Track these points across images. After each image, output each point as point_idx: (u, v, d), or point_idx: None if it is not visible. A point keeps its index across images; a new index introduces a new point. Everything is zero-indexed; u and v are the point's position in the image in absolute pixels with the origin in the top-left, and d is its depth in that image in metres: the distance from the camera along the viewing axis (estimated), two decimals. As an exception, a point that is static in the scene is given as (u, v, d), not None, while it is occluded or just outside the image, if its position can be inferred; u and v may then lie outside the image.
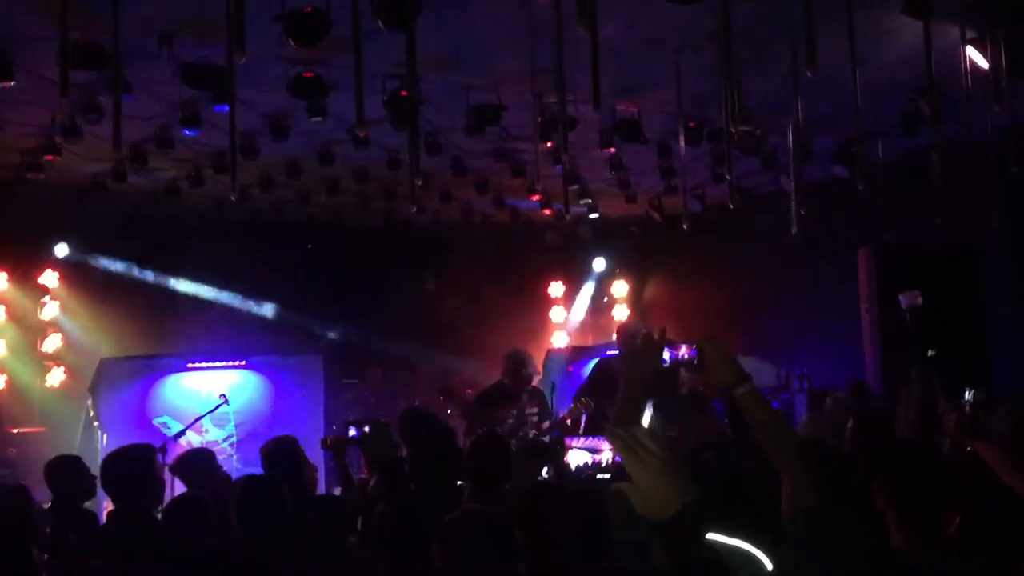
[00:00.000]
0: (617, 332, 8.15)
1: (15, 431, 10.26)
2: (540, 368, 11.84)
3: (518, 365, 7.33)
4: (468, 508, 2.96)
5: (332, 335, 12.07)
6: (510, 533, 2.71)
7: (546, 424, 7.21)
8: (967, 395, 5.28)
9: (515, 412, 7.22)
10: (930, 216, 7.49)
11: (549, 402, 7.68)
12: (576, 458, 2.67)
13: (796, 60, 5.98)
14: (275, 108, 7.85)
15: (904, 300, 8.00)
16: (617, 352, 8.43)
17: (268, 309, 12.02)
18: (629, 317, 11.69)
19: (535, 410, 7.33)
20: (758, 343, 10.67)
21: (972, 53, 6.33)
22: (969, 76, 6.36)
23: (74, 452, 8.43)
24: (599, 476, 2.85)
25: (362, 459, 5.85)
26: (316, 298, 11.99)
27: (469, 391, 9.89)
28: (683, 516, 1.60)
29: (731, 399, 2.53)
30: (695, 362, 2.55)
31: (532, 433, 7.13)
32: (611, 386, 7.60)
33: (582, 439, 2.96)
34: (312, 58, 6.68)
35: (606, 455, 3.49)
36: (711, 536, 1.57)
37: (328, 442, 5.27)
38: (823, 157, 9.19)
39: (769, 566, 1.66)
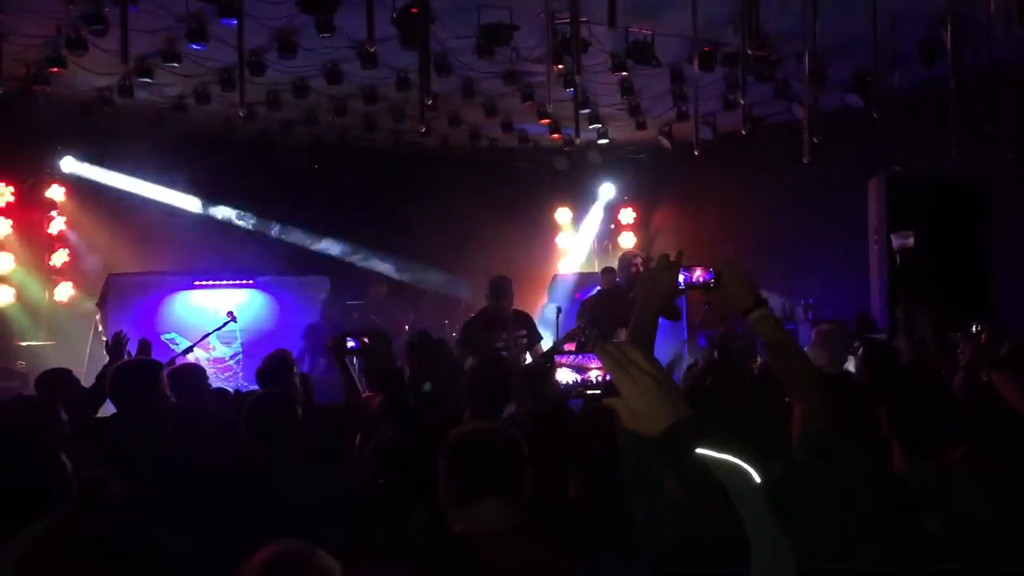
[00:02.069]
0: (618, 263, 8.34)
1: (23, 344, 10.35)
2: (545, 294, 11.95)
3: (496, 292, 7.42)
4: (476, 423, 2.95)
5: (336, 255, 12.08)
6: (519, 448, 2.70)
7: (539, 347, 7.35)
8: (973, 329, 5.28)
9: (504, 336, 7.32)
10: (944, 148, 7.41)
11: (556, 326, 7.76)
12: (565, 376, 2.69)
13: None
14: (283, 23, 7.73)
15: (896, 241, 7.99)
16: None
17: (274, 228, 12.00)
18: (630, 248, 11.67)
19: (523, 332, 7.41)
20: (765, 273, 10.66)
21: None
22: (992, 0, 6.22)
23: (82, 366, 8.57)
24: (588, 392, 2.85)
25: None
26: (322, 219, 11.96)
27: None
28: (673, 432, 1.60)
29: (722, 337, 2.53)
30: (710, 284, 2.53)
31: (523, 356, 7.24)
32: (611, 312, 7.73)
33: (571, 357, 2.96)
34: (321, -28, 6.55)
35: (594, 373, 3.49)
36: (701, 451, 1.58)
37: (332, 344, 5.28)
38: (837, 85, 9.06)
39: (758, 479, 1.68)
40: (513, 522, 2.59)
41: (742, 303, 2.55)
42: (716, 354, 7.40)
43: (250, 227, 11.88)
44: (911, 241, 8.02)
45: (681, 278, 2.52)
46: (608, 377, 1.66)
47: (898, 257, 8.27)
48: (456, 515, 2.63)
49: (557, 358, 2.50)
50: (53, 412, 4.20)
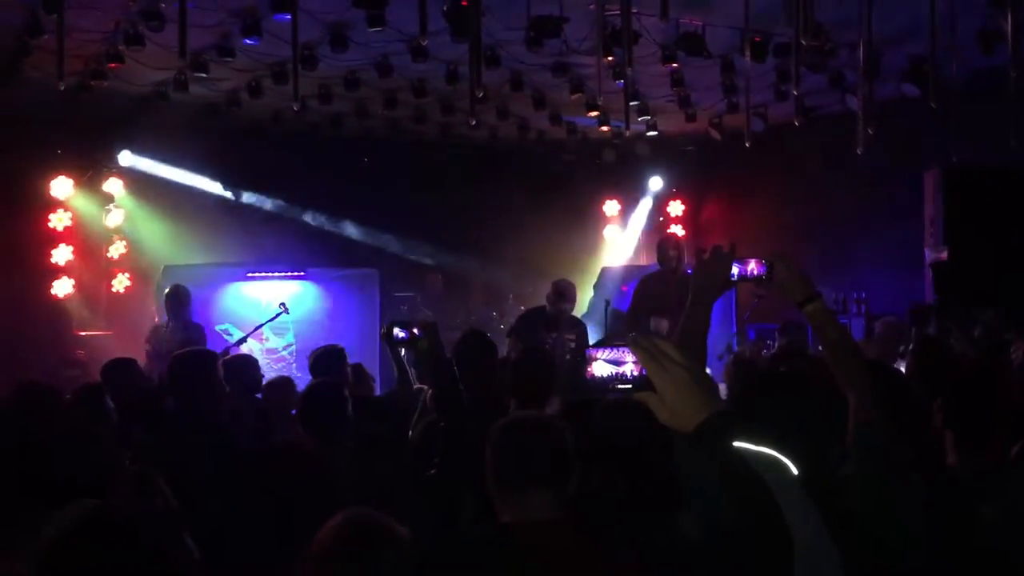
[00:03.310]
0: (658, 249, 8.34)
1: (83, 334, 10.60)
2: (592, 287, 11.94)
3: (559, 294, 7.61)
4: (522, 412, 2.95)
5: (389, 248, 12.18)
6: (566, 439, 2.71)
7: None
8: None
9: (553, 335, 7.42)
10: (1004, 138, 7.25)
11: (603, 320, 7.82)
12: (600, 370, 2.67)
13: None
14: (335, 17, 7.81)
15: (929, 255, 7.92)
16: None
17: (325, 221, 12.13)
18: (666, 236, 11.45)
19: (573, 337, 7.50)
20: (816, 265, 10.52)
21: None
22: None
23: (141, 355, 8.75)
24: (620, 387, 2.83)
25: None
26: (372, 211, 12.06)
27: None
28: (708, 425, 1.60)
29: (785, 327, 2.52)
30: (764, 277, 2.52)
31: (568, 358, 7.34)
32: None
33: (606, 350, 2.95)
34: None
35: (629, 367, 3.46)
36: (737, 444, 1.57)
37: (382, 334, 5.35)
38: (892, 75, 8.90)
39: (795, 471, 1.66)
40: (561, 512, 2.60)
41: (797, 296, 2.54)
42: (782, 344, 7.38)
43: (302, 219, 12.02)
44: (944, 255, 7.95)
45: (735, 270, 2.51)
46: (643, 371, 1.66)
47: (931, 271, 8.20)
48: (504, 505, 2.64)
49: (592, 351, 2.50)
50: (100, 400, 4.30)
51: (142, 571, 1.95)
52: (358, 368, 6.23)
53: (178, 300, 8.46)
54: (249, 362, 6.03)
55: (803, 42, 5.44)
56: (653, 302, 7.83)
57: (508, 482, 2.64)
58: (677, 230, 13.42)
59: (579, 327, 7.78)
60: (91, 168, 11.09)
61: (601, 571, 2.45)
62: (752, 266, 2.52)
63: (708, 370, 8.38)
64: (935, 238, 8.81)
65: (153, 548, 2.41)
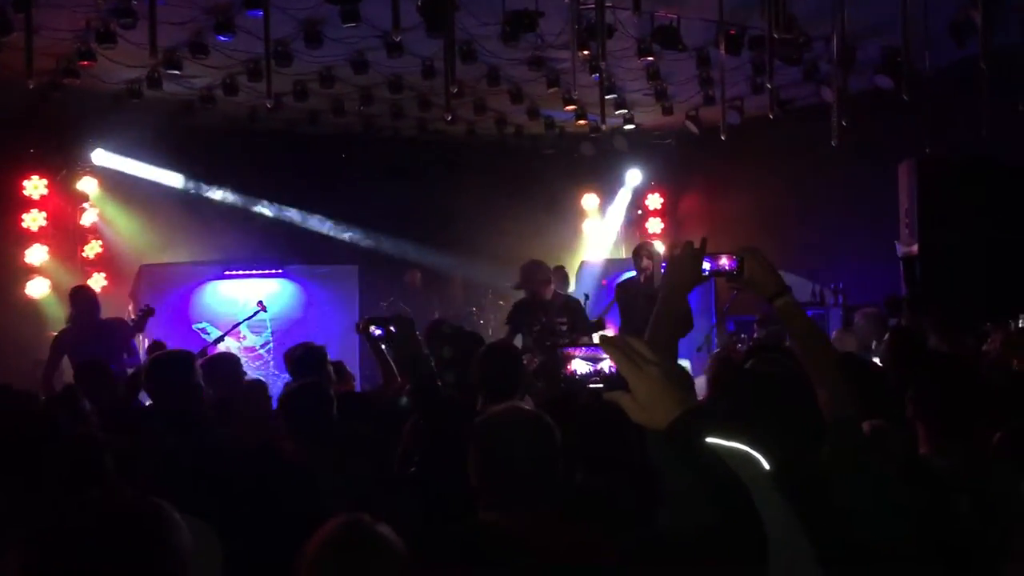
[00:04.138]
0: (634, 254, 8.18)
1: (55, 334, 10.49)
2: (572, 281, 11.94)
3: (523, 277, 7.58)
4: (509, 405, 2.92)
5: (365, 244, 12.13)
6: (552, 435, 2.69)
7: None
8: (1021, 322, 5.21)
9: (543, 319, 7.34)
10: (976, 129, 7.31)
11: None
12: (578, 367, 2.68)
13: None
14: (308, 13, 7.76)
15: (900, 248, 7.98)
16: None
17: (303, 218, 12.08)
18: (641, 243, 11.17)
19: (564, 319, 7.42)
20: (794, 257, 10.59)
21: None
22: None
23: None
24: (591, 386, 2.82)
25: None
26: (351, 208, 12.02)
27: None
28: (681, 422, 1.60)
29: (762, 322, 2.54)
30: (735, 272, 2.54)
31: (563, 342, 7.24)
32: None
33: (583, 349, 2.93)
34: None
35: (604, 364, 3.44)
36: (710, 440, 1.58)
37: (361, 327, 5.27)
38: (866, 67, 8.96)
39: (767, 466, 1.68)
40: (547, 507, 2.60)
41: (766, 290, 2.56)
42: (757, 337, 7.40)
43: (279, 217, 11.97)
44: (915, 248, 8.01)
45: (707, 265, 2.53)
46: (615, 369, 1.65)
47: (901, 264, 8.24)
48: (490, 501, 2.63)
49: (570, 349, 2.52)
50: (76, 401, 4.27)
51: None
52: (339, 365, 6.20)
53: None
54: (230, 361, 5.98)
55: (776, 35, 5.46)
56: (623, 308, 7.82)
57: (494, 477, 2.62)
58: (656, 223, 13.47)
59: (573, 310, 7.59)
60: (65, 167, 10.99)
61: (586, 566, 2.45)
62: (723, 261, 2.54)
63: (687, 363, 8.40)
64: (910, 229, 8.88)
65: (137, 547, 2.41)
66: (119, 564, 1.79)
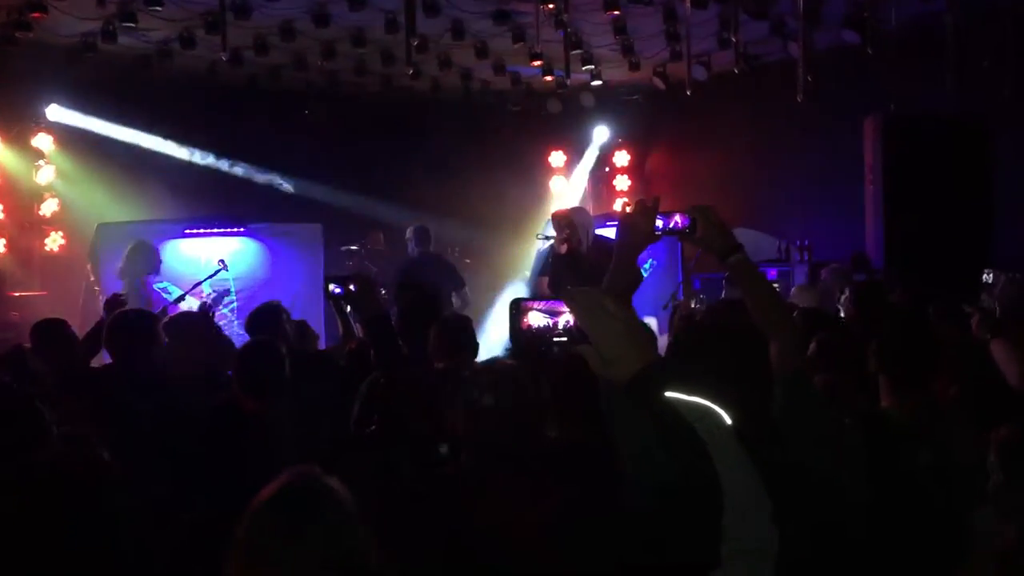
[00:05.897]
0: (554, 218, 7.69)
1: (16, 295, 10.31)
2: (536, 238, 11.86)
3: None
4: (495, 361, 2.97)
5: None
6: (541, 386, 2.73)
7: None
8: (987, 276, 5.17)
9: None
10: (941, 85, 7.32)
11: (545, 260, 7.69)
12: (536, 320, 2.66)
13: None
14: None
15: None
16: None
17: (265, 176, 11.91)
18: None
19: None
20: (760, 214, 10.62)
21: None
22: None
23: (76, 316, 8.55)
24: (555, 340, 2.80)
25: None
26: (313, 165, 11.85)
27: None
28: (642, 375, 1.61)
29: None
30: (687, 230, 2.54)
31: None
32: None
33: (541, 302, 2.91)
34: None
35: (564, 318, 3.43)
36: (669, 394, 1.58)
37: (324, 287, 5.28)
38: (832, 23, 8.92)
39: (728, 420, 1.67)
40: (528, 459, 2.62)
41: (718, 248, 2.56)
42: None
43: (240, 174, 11.78)
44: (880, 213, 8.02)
45: (659, 223, 2.54)
46: (576, 323, 1.65)
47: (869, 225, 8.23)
48: (473, 453, 2.64)
49: (528, 302, 2.52)
50: (23, 363, 4.21)
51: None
52: (302, 324, 6.13)
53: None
54: (196, 319, 5.91)
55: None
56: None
57: (480, 431, 2.64)
58: (623, 180, 13.43)
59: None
60: (18, 123, 10.71)
61: (548, 517, 2.47)
62: (676, 219, 2.56)
63: (653, 321, 8.39)
64: (876, 186, 8.90)
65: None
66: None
